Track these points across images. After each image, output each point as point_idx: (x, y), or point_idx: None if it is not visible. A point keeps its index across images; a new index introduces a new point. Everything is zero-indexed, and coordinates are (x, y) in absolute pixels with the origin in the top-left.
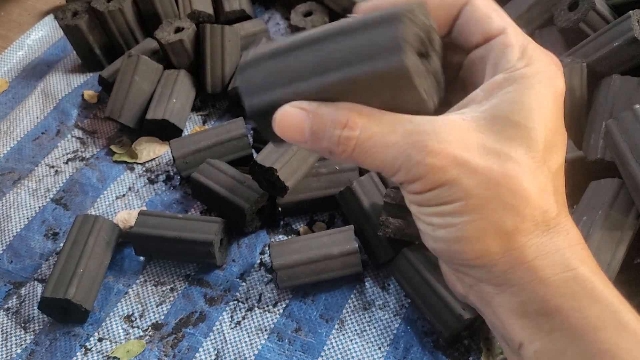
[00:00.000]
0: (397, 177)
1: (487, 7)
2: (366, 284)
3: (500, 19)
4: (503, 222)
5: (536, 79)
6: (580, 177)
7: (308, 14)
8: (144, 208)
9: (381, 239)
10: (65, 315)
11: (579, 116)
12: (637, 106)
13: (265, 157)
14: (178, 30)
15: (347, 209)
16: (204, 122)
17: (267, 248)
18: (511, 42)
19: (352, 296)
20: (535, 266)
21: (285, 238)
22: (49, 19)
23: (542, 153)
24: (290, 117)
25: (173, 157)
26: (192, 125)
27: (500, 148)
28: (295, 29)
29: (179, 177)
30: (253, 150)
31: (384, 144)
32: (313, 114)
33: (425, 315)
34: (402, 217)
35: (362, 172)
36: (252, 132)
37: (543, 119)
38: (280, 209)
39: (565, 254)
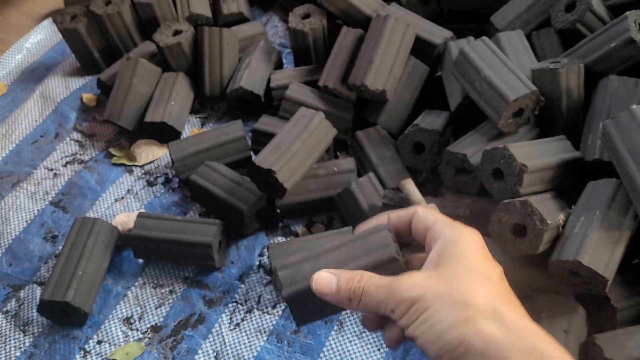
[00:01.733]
0: (388, 311)
1: (425, 212)
2: None
3: (433, 217)
4: (457, 314)
5: (462, 235)
6: (578, 177)
7: (306, 16)
8: (143, 211)
9: None
10: (64, 317)
11: (576, 117)
12: (635, 106)
13: (263, 158)
14: (176, 33)
15: (345, 210)
16: (203, 125)
17: (265, 250)
18: (441, 225)
19: None
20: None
21: (284, 239)
22: (48, 23)
23: (476, 268)
24: (324, 277)
25: (172, 159)
26: (190, 128)
27: (445, 271)
28: (293, 31)
29: (177, 180)
30: (252, 153)
31: (378, 286)
32: (338, 276)
33: None
34: None
35: (360, 174)
36: (250, 134)
37: (473, 251)
38: (278, 210)
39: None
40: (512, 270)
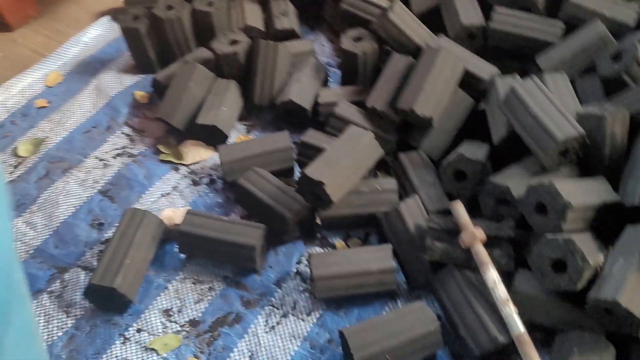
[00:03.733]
0: None
1: None
2: (398, 302)
3: None
4: None
5: None
6: (617, 221)
7: (358, 39)
8: (189, 207)
9: (422, 262)
10: (108, 303)
11: (618, 161)
12: None
13: (314, 170)
14: (233, 42)
15: (390, 229)
16: (248, 132)
17: (303, 258)
18: None
19: (383, 313)
20: None
21: (321, 250)
22: (106, 20)
23: None
24: None
25: (220, 161)
26: (236, 134)
27: None
28: (344, 52)
29: (221, 182)
30: (295, 164)
31: None
32: None
33: (459, 332)
34: (448, 241)
35: (400, 195)
36: (296, 145)
37: None
38: (319, 221)
39: None
40: (546, 303)
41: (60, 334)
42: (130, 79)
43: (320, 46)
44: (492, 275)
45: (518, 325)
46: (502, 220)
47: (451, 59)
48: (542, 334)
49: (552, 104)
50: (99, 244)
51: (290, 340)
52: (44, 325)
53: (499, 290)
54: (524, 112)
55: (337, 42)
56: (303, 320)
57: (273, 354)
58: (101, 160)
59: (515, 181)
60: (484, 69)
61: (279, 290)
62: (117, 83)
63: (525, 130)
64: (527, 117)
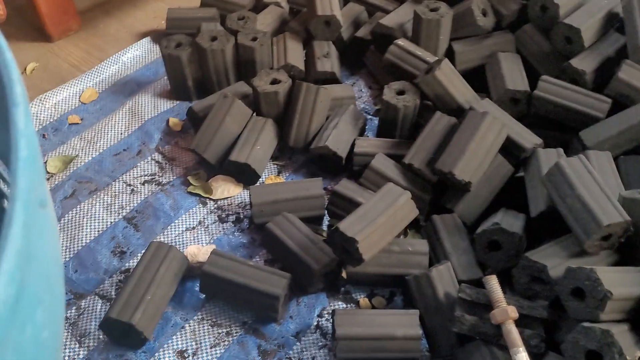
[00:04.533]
0: None
1: None
2: None
3: None
4: None
5: None
6: None
7: (400, 92)
8: (213, 246)
9: (448, 332)
10: (123, 338)
11: None
12: None
13: (348, 226)
14: (274, 81)
15: (418, 294)
16: (279, 173)
17: (325, 311)
18: None
19: None
20: None
21: (344, 305)
22: (146, 41)
23: None
24: None
25: (251, 202)
26: (267, 173)
27: None
28: (386, 104)
29: (247, 221)
30: (326, 212)
31: None
32: None
33: None
34: (478, 314)
35: (430, 258)
36: (328, 194)
37: None
38: (345, 276)
39: None
40: None
41: None
42: (165, 104)
43: (358, 92)
44: (522, 358)
45: None
46: (536, 299)
47: (497, 125)
48: None
49: (597, 184)
50: (119, 273)
51: None
52: None
53: None
54: (568, 191)
55: (376, 89)
56: None
57: None
58: (129, 185)
59: (553, 261)
60: (527, 138)
61: (298, 344)
62: (152, 107)
63: (568, 209)
64: (571, 196)
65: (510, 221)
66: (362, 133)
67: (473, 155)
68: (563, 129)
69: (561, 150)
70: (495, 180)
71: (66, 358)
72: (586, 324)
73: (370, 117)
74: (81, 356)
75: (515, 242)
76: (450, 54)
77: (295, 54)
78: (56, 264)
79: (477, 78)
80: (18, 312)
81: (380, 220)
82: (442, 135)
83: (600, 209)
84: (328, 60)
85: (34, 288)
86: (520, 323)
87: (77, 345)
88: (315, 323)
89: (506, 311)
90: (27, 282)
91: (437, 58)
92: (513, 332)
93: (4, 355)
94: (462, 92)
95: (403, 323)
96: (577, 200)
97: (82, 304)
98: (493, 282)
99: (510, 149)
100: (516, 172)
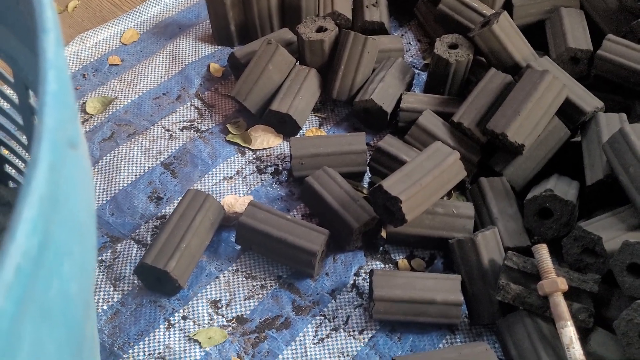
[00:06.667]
0: None
1: None
2: (457, 337)
3: None
4: None
5: None
6: None
7: (453, 46)
8: (251, 197)
9: (491, 300)
10: (157, 284)
11: None
12: None
13: (392, 184)
14: (320, 29)
15: (461, 259)
16: (320, 125)
17: (362, 270)
18: None
19: (440, 346)
20: None
21: (382, 265)
22: None
23: None
24: None
25: (291, 154)
26: (308, 125)
27: None
28: (437, 58)
29: (286, 173)
30: (368, 168)
31: None
32: None
33: None
34: (524, 284)
35: (475, 222)
36: (370, 150)
37: None
38: (384, 236)
39: None
40: None
41: (105, 307)
42: (206, 49)
43: (406, 44)
44: (570, 332)
45: None
46: (586, 272)
47: (556, 85)
48: None
49: None
50: (155, 218)
51: (339, 357)
52: None
53: (575, 349)
54: (632, 159)
55: (426, 43)
56: (354, 338)
57: None
58: (167, 130)
59: (608, 233)
60: (587, 100)
61: (333, 301)
62: (193, 51)
63: (630, 179)
64: (635, 165)
65: (563, 188)
66: (409, 88)
67: (528, 116)
68: (626, 93)
69: (624, 115)
70: (549, 144)
71: (100, 300)
72: None
73: (418, 71)
74: (115, 299)
75: (568, 211)
76: (508, 7)
77: (343, 2)
78: (88, 211)
79: (536, 35)
80: (43, 264)
81: (426, 180)
82: (496, 93)
83: None
84: (377, 10)
85: (62, 238)
86: (568, 296)
87: (112, 289)
88: (351, 282)
89: (556, 282)
90: (53, 231)
91: (493, 11)
92: (561, 305)
93: (29, 310)
94: (519, 48)
95: (444, 288)
96: None
97: (118, 247)
98: (543, 252)
99: (568, 112)
100: (572, 136)
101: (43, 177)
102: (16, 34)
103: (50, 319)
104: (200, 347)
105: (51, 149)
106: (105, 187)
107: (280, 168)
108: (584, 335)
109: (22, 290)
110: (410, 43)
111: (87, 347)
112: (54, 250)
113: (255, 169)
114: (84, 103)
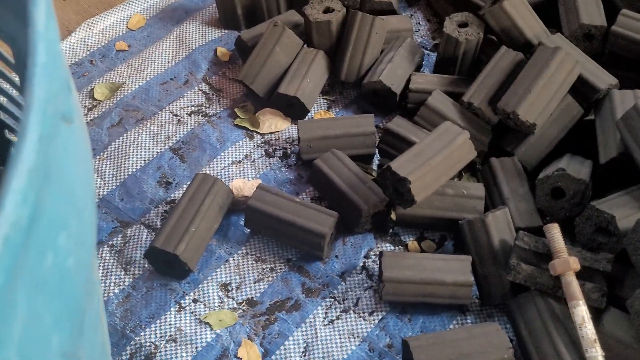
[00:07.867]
0: None
1: None
2: (468, 318)
3: None
4: None
5: None
6: None
7: (463, 24)
8: (259, 180)
9: (502, 281)
10: (167, 268)
11: None
12: None
13: (401, 165)
14: (327, 10)
15: (472, 240)
16: (329, 108)
17: (371, 252)
18: None
19: (450, 327)
20: None
21: (392, 247)
22: None
23: None
24: None
25: (299, 137)
26: (317, 108)
27: None
28: (446, 37)
29: (294, 157)
30: (377, 150)
31: None
32: None
33: None
34: (535, 264)
35: (486, 203)
36: (379, 132)
37: None
38: (394, 217)
39: None
40: (637, 352)
41: (116, 290)
42: (213, 33)
43: (415, 25)
44: (582, 312)
45: None
46: (599, 251)
47: (569, 62)
48: None
49: None
50: (165, 203)
51: (349, 338)
52: (102, 280)
53: (587, 329)
54: None
55: (435, 23)
56: (364, 319)
57: (329, 349)
58: (175, 115)
59: (623, 211)
60: (601, 77)
61: (343, 284)
62: (200, 36)
63: None
64: None
65: (576, 167)
66: (418, 69)
67: (540, 94)
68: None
69: (639, 92)
70: (562, 122)
71: (112, 284)
72: None
73: (427, 52)
74: (126, 283)
75: (581, 190)
76: None
77: None
78: (86, 186)
79: (548, 11)
80: (34, 236)
81: (436, 161)
82: (507, 72)
83: None
84: None
85: (56, 211)
86: (581, 276)
87: (123, 273)
88: (361, 264)
89: (568, 262)
90: (45, 203)
91: None
92: (573, 285)
93: (21, 281)
94: (531, 25)
95: (454, 269)
96: None
97: (128, 232)
98: (555, 231)
99: (581, 89)
100: (585, 114)
101: (32, 148)
102: (16, 15)
103: (45, 291)
104: (211, 330)
105: (40, 121)
106: (114, 173)
107: (289, 151)
108: (597, 315)
109: (12, 260)
110: (419, 23)
111: (89, 324)
112: (47, 222)
113: (263, 153)
114: (92, 89)
